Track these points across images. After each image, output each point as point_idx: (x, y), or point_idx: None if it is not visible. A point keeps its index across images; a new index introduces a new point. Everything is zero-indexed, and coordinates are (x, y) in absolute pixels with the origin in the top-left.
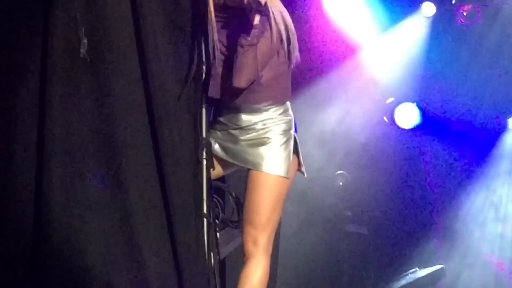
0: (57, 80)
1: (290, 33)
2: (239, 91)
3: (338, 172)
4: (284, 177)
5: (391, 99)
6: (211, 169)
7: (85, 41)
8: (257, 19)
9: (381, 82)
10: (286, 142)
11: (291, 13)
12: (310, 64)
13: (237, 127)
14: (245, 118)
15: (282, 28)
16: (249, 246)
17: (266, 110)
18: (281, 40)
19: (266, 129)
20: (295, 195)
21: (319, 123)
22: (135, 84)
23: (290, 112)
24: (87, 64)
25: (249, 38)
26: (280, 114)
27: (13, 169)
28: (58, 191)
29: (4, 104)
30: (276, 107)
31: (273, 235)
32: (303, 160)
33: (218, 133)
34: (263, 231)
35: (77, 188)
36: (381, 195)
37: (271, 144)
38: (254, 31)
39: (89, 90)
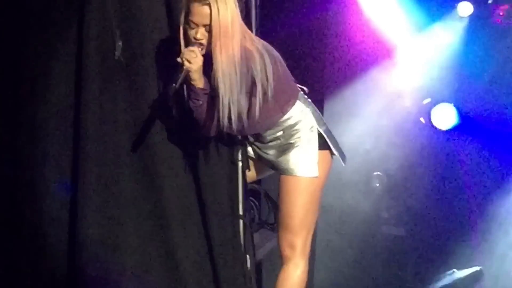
0: (92, 82)
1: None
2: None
3: (375, 173)
4: (314, 176)
5: (428, 100)
6: (247, 171)
7: (120, 43)
8: (197, 84)
9: (418, 83)
10: (310, 141)
11: (329, 14)
12: (347, 65)
13: (260, 142)
14: (265, 135)
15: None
16: (286, 250)
17: (280, 122)
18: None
19: (287, 136)
20: (331, 196)
21: (355, 124)
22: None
23: (307, 108)
24: (121, 66)
25: (193, 99)
26: (296, 117)
27: (48, 170)
28: (94, 192)
29: (39, 107)
30: (288, 113)
31: (310, 237)
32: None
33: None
34: (298, 234)
35: (112, 189)
36: (418, 196)
37: (296, 148)
38: (194, 94)
39: (123, 92)
